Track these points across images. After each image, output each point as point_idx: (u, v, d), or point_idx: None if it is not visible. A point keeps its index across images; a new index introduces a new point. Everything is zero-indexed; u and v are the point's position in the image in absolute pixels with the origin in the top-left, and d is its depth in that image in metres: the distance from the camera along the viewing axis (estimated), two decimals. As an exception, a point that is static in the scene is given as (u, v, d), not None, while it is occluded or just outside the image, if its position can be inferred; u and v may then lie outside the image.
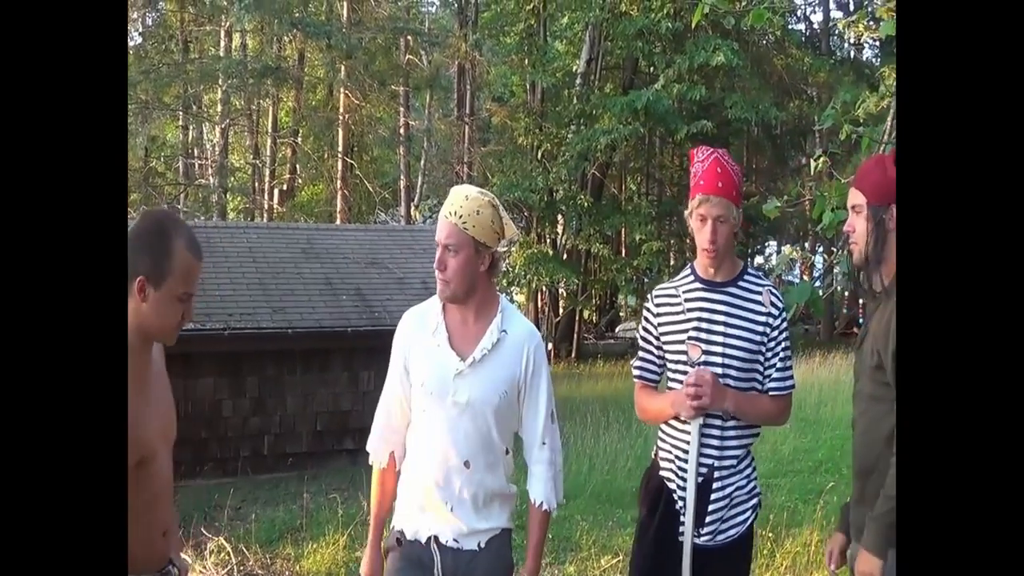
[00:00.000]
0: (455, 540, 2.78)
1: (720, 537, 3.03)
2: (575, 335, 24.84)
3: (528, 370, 2.81)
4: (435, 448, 2.76)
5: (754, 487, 3.11)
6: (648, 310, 3.20)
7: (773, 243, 32.69)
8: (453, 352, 2.75)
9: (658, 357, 3.18)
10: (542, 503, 2.88)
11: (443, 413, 2.74)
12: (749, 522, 3.08)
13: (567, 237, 23.81)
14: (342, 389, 10.34)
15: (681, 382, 3.03)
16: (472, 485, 2.77)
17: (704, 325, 3.03)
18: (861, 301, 2.55)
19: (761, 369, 3.04)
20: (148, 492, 2.21)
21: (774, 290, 3.07)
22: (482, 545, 2.81)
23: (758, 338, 3.00)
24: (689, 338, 3.04)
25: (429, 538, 2.79)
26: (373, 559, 2.91)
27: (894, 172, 2.21)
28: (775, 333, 3.02)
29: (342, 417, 10.38)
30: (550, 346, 24.28)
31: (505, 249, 2.84)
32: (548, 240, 24.25)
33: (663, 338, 3.13)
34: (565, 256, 24.16)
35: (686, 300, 3.08)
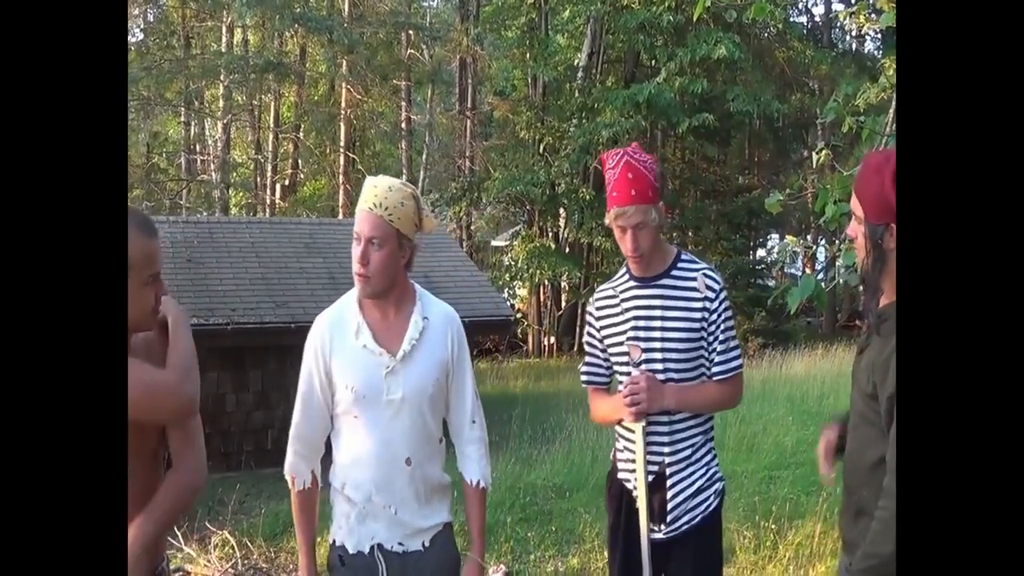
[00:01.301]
0: (400, 544, 2.74)
1: (684, 527, 3.01)
2: (577, 328, 24.79)
3: (454, 352, 2.79)
4: (372, 452, 2.69)
5: (715, 473, 3.08)
6: (590, 314, 3.19)
7: (775, 236, 32.66)
8: (381, 350, 2.68)
9: (604, 360, 3.17)
10: (479, 481, 2.86)
11: (377, 414, 2.68)
12: (712, 507, 3.05)
13: (569, 230, 23.80)
14: (345, 383, 10.36)
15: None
16: (415, 482, 2.72)
17: (641, 323, 3.00)
18: (861, 289, 2.47)
19: (706, 355, 3.00)
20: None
21: (709, 272, 3.03)
22: (427, 544, 2.77)
23: (697, 326, 2.97)
24: (628, 339, 3.02)
25: (372, 547, 2.73)
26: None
27: (892, 184, 2.16)
28: (713, 316, 2.97)
29: (345, 411, 10.40)
30: (552, 340, 24.30)
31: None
32: (550, 234, 24.25)
33: (606, 341, 3.12)
34: (567, 249, 24.17)
35: (623, 300, 3.07)
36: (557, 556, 6.09)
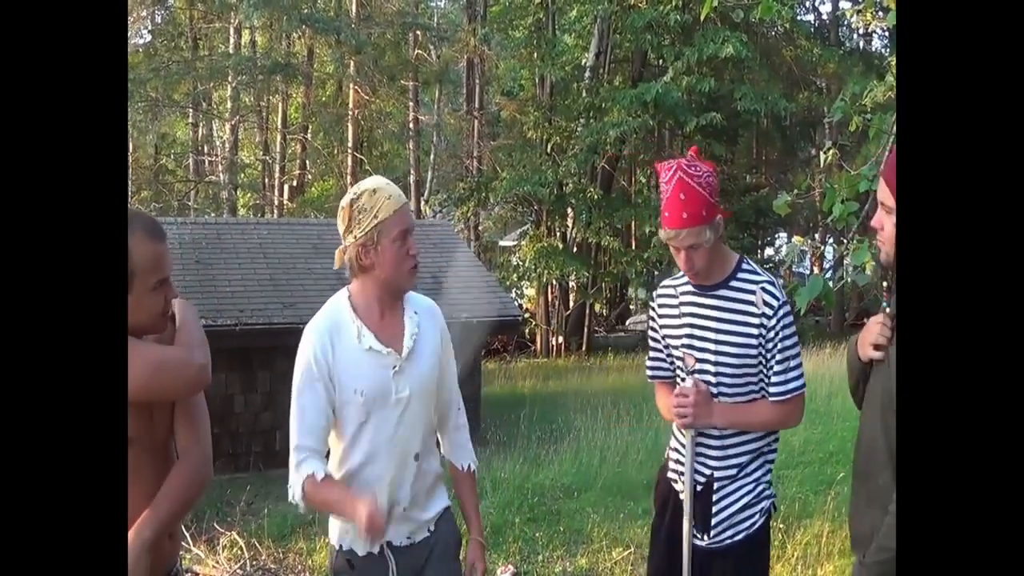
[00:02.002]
0: (408, 538, 2.74)
1: (728, 541, 2.97)
2: (585, 328, 24.81)
3: (443, 342, 2.82)
4: (384, 452, 2.67)
5: (763, 490, 2.99)
6: (653, 308, 3.15)
7: (783, 235, 32.61)
8: (389, 349, 2.66)
9: (667, 356, 3.11)
10: (469, 465, 2.93)
11: (386, 414, 2.65)
12: (758, 524, 2.98)
13: (577, 230, 23.79)
14: (353, 384, 10.36)
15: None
16: (422, 477, 2.75)
17: (697, 332, 2.94)
18: (884, 284, 2.42)
19: (764, 372, 2.91)
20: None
21: (769, 285, 2.89)
22: (431, 529, 2.81)
23: (754, 341, 2.86)
24: (683, 346, 2.97)
25: (382, 546, 2.70)
26: (369, 502, 2.46)
27: None
28: (771, 334, 2.85)
29: (353, 412, 10.40)
30: (560, 340, 24.28)
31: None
32: (558, 233, 24.24)
33: (666, 339, 3.07)
34: (575, 249, 24.15)
35: (681, 304, 3.01)
36: (565, 556, 6.09)
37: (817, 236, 26.06)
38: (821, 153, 4.99)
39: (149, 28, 27.04)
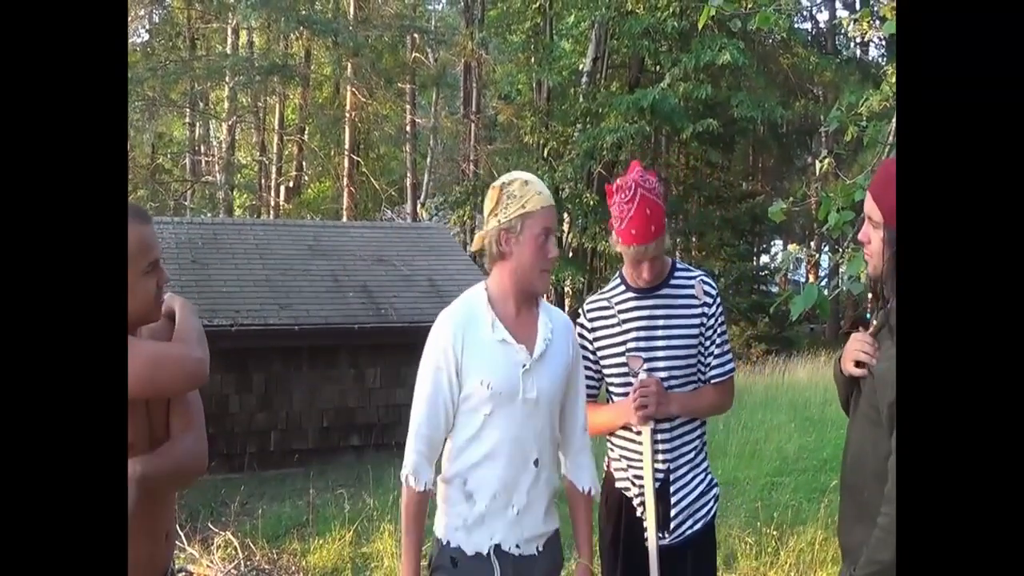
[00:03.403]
0: (517, 546, 2.64)
1: (688, 532, 3.05)
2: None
3: (574, 356, 2.78)
4: (503, 451, 2.61)
5: (712, 478, 3.13)
6: (582, 325, 3.16)
7: (779, 242, 32.66)
8: (520, 346, 2.62)
9: (596, 371, 3.15)
10: (590, 489, 2.85)
11: (512, 412, 2.60)
12: (713, 510, 3.11)
13: (573, 235, 23.78)
14: (348, 386, 10.37)
15: (622, 394, 3.06)
16: (539, 484, 2.67)
17: (643, 334, 3.02)
18: (870, 295, 2.46)
19: (702, 360, 3.06)
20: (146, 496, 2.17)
21: (705, 278, 3.09)
22: (540, 549, 2.71)
23: (696, 332, 3.03)
24: (628, 350, 3.03)
25: (491, 548, 2.63)
26: None
27: None
28: (711, 321, 3.04)
29: (348, 413, 10.42)
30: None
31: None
32: (553, 238, 24.23)
33: (599, 352, 3.12)
34: (571, 254, 24.15)
35: (619, 312, 3.08)
36: (558, 560, 6.08)
37: (812, 244, 26.13)
38: (817, 161, 5.01)
39: (147, 27, 27.06)
